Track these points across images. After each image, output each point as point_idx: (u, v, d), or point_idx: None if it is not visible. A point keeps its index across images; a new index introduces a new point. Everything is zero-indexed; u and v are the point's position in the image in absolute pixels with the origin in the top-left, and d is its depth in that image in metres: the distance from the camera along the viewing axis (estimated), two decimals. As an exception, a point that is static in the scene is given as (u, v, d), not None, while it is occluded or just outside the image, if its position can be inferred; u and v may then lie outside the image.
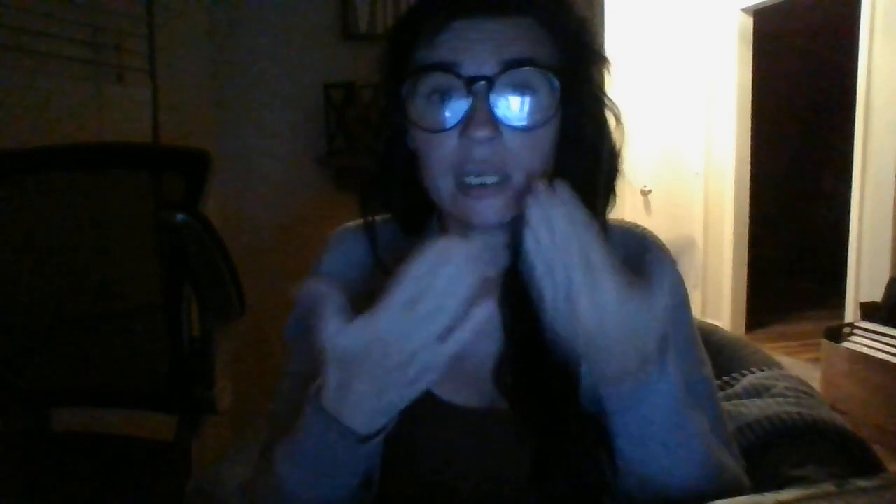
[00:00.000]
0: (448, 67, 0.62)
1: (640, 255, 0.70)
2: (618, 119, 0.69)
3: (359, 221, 0.74)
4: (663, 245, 0.73)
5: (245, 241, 2.00)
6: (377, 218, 0.73)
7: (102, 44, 1.76)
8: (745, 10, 3.99)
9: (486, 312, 0.54)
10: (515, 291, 0.66)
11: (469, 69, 0.61)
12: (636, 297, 0.55)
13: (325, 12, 2.33)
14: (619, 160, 0.69)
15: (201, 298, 1.22)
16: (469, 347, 0.68)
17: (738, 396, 0.92)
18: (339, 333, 0.53)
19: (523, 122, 0.62)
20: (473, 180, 0.63)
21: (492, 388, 0.67)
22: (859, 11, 3.34)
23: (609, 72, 0.68)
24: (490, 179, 0.63)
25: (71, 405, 1.36)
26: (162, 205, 1.28)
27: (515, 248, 0.68)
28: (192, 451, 1.22)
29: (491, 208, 0.63)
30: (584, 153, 0.67)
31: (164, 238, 1.26)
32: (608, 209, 0.70)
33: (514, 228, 0.66)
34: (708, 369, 0.71)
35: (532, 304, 0.60)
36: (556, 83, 0.62)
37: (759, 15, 4.04)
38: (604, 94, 0.68)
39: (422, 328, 0.53)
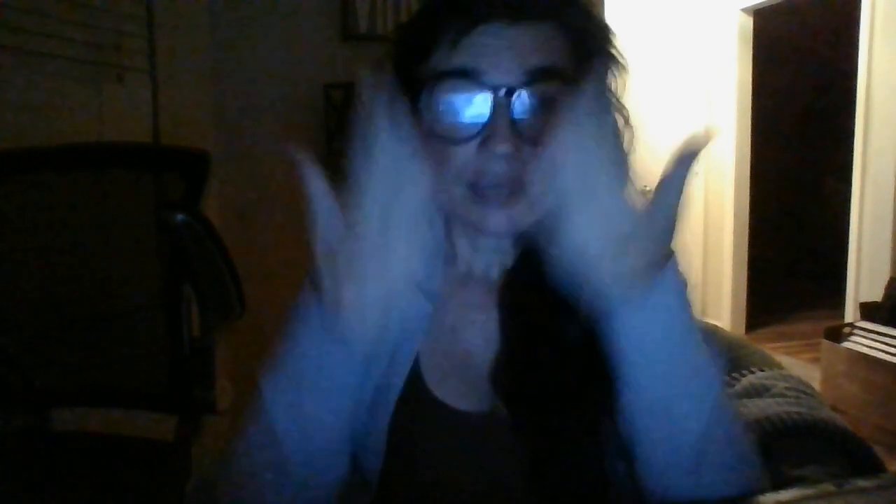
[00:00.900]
0: (469, 74, 0.59)
1: None
2: (626, 120, 0.67)
3: None
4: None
5: (245, 241, 2.00)
6: None
7: (102, 44, 1.76)
8: (745, 10, 3.99)
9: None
10: (514, 293, 0.65)
11: (491, 77, 0.59)
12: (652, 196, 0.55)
13: (325, 12, 2.33)
14: (630, 164, 0.67)
15: (201, 298, 1.22)
16: (471, 351, 0.67)
17: (738, 396, 0.92)
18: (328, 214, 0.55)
19: (543, 138, 0.57)
20: (488, 188, 0.61)
21: (492, 394, 0.66)
22: (859, 11, 3.35)
23: (625, 80, 0.66)
24: (505, 189, 0.61)
25: (71, 405, 1.36)
26: (162, 205, 1.28)
27: (520, 249, 0.67)
28: (192, 451, 1.22)
29: (505, 217, 0.61)
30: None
31: (164, 238, 1.26)
32: None
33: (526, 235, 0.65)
34: (711, 368, 0.70)
35: (530, 305, 0.59)
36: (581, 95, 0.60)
37: (759, 15, 4.04)
38: (620, 102, 0.66)
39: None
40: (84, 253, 1.34)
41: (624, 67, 0.65)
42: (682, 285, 0.57)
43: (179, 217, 1.14)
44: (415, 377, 0.67)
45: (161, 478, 1.21)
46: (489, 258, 0.69)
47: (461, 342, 0.68)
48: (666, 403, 0.56)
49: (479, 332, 0.68)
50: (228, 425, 1.56)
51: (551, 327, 0.61)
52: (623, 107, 0.67)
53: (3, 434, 1.31)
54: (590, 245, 0.52)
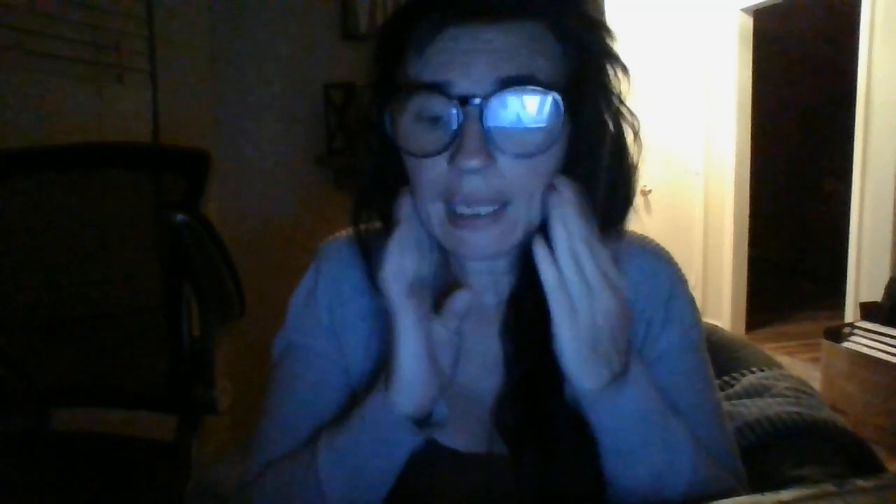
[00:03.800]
0: (437, 86, 0.55)
1: (650, 274, 0.67)
2: (636, 133, 0.62)
3: (351, 232, 0.69)
4: (675, 263, 0.70)
5: (245, 242, 2.00)
6: (370, 228, 0.67)
7: (102, 44, 1.76)
8: (745, 10, 3.99)
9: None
10: (517, 321, 0.62)
11: (460, 87, 0.54)
12: (618, 302, 0.56)
13: (325, 12, 2.33)
14: (636, 178, 0.63)
15: (201, 298, 1.22)
16: (468, 383, 0.65)
17: (738, 396, 0.92)
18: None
19: (522, 148, 0.55)
20: (465, 210, 0.57)
21: (491, 429, 0.63)
22: (859, 11, 3.34)
23: (628, 80, 0.61)
24: (484, 209, 0.57)
25: (71, 405, 1.36)
26: (162, 205, 1.28)
27: (518, 274, 0.64)
28: (192, 451, 1.22)
29: (484, 240, 0.57)
30: (596, 172, 0.60)
31: (164, 238, 1.25)
32: (622, 229, 0.64)
33: (517, 254, 0.62)
34: (716, 392, 0.70)
35: (535, 334, 0.58)
36: (561, 104, 0.55)
37: (759, 15, 4.04)
38: (622, 104, 0.61)
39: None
40: (84, 253, 1.34)
41: (627, 71, 0.61)
42: (645, 377, 0.59)
43: (179, 217, 1.14)
44: None
45: (161, 478, 1.21)
46: (482, 282, 0.65)
47: (457, 375, 0.63)
48: (647, 477, 0.59)
49: (476, 364, 0.66)
50: (228, 425, 1.57)
51: (555, 362, 0.58)
52: (633, 116, 0.62)
53: (3, 434, 1.30)
54: (566, 351, 0.56)
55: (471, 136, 0.54)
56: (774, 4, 3.88)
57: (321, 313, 0.68)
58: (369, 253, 0.66)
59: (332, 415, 0.66)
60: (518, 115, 0.55)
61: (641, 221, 0.71)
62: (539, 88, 0.55)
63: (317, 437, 0.63)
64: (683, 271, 0.71)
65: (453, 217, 0.58)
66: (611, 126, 0.60)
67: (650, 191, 4.22)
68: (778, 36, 4.85)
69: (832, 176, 5.14)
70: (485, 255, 0.59)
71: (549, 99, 0.55)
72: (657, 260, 0.68)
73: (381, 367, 0.62)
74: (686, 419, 0.63)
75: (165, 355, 1.26)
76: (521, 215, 0.58)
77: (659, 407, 0.59)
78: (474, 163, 0.54)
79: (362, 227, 0.67)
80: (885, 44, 3.22)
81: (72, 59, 1.68)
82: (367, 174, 0.65)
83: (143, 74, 1.88)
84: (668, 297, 0.67)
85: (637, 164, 0.63)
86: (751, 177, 4.13)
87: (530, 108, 0.55)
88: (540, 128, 0.55)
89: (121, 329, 1.33)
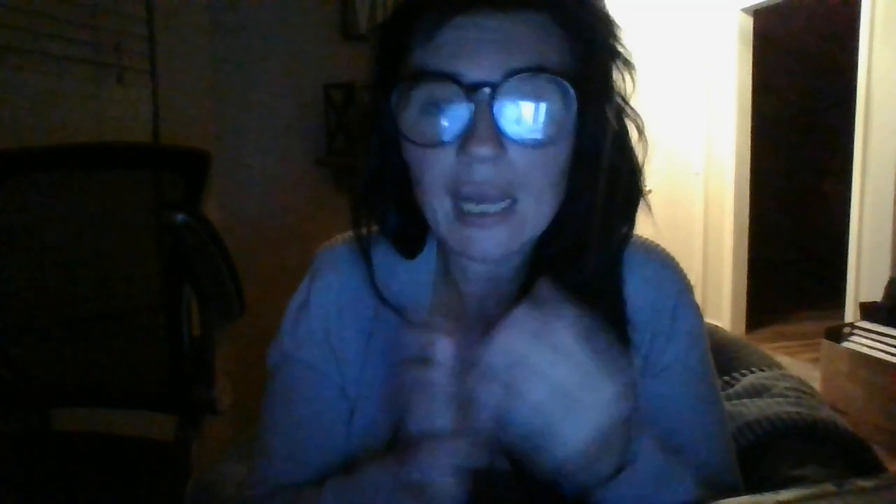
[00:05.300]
0: (446, 74, 0.54)
1: (656, 283, 0.65)
2: (640, 132, 0.62)
3: (347, 238, 0.68)
4: (681, 271, 0.68)
5: (245, 241, 2.00)
6: (369, 233, 0.65)
7: (102, 44, 1.76)
8: (745, 10, 3.99)
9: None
10: None
11: (470, 75, 0.53)
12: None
13: (325, 12, 2.33)
14: (642, 178, 0.62)
15: (201, 298, 1.22)
16: (469, 395, 0.64)
17: (738, 396, 0.92)
18: None
19: (533, 138, 0.54)
20: (473, 208, 0.55)
21: (492, 443, 0.60)
22: (859, 11, 3.35)
23: (633, 77, 0.60)
24: (493, 207, 0.55)
25: (71, 405, 1.36)
26: (162, 205, 1.28)
27: (522, 282, 0.62)
28: (192, 451, 1.22)
29: (493, 240, 0.56)
30: (602, 171, 0.59)
31: (164, 238, 1.25)
32: (628, 232, 0.63)
33: (521, 261, 0.61)
34: (720, 403, 0.68)
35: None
36: (572, 92, 0.54)
37: (759, 15, 4.05)
38: (626, 103, 0.61)
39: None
40: (84, 253, 1.34)
41: (632, 67, 0.60)
42: (655, 453, 0.55)
43: (179, 217, 1.14)
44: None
45: (161, 478, 1.21)
46: (484, 289, 0.63)
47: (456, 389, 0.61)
48: None
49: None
50: (228, 425, 1.57)
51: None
52: (637, 114, 0.61)
53: (3, 434, 1.30)
54: (560, 457, 0.51)
55: (482, 125, 0.53)
56: (774, 4, 3.88)
57: (315, 326, 0.66)
58: (371, 263, 0.64)
59: (331, 431, 0.65)
60: (528, 105, 0.54)
61: (641, 221, 0.71)
62: (549, 77, 0.54)
63: (322, 484, 0.60)
64: (684, 272, 0.70)
65: (461, 215, 0.56)
66: (614, 124, 0.59)
67: (650, 191, 4.17)
68: (778, 36, 4.85)
69: (832, 176, 5.14)
70: (493, 255, 0.57)
71: (560, 87, 0.54)
72: (663, 268, 0.67)
73: (380, 386, 0.60)
74: (687, 430, 0.62)
75: (165, 355, 1.26)
76: (530, 213, 0.57)
77: (661, 487, 0.55)
78: (485, 150, 0.53)
79: (363, 230, 0.64)
80: (886, 44, 3.22)
81: (72, 59, 1.68)
82: (366, 174, 0.63)
83: (143, 74, 1.88)
84: (674, 307, 0.65)
85: (643, 165, 0.62)
86: (751, 177, 4.13)
87: (541, 97, 0.54)
88: (551, 117, 0.55)
89: (121, 329, 1.33)
